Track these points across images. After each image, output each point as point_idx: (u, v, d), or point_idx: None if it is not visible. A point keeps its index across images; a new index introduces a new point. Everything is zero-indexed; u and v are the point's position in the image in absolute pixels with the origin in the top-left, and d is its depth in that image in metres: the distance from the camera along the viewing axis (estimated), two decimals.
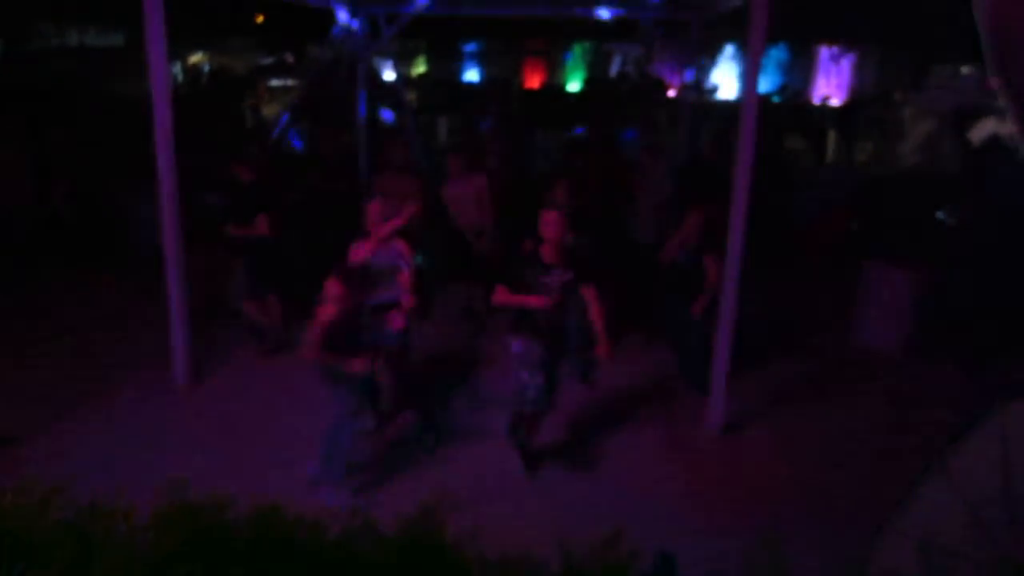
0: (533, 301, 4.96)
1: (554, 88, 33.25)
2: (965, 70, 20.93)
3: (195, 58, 31.50)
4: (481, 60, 35.75)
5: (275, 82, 29.10)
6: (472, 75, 35.48)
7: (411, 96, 24.60)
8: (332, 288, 4.60)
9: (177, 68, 28.01)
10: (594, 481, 5.48)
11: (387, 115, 13.10)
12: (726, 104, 25.33)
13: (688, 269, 6.45)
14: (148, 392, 6.52)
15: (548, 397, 5.26)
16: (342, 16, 9.96)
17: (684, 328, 6.71)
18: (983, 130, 15.83)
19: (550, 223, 4.95)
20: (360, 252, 5.57)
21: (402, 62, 34.69)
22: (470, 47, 35.04)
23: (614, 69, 33.45)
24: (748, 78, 5.61)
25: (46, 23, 20.07)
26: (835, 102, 26.97)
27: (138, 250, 9.90)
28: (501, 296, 5.07)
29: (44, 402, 6.24)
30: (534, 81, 35.08)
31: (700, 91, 13.77)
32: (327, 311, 4.60)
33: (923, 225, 9.95)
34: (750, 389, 6.76)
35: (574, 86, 32.92)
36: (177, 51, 27.77)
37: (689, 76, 10.42)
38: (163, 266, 6.27)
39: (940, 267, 7.97)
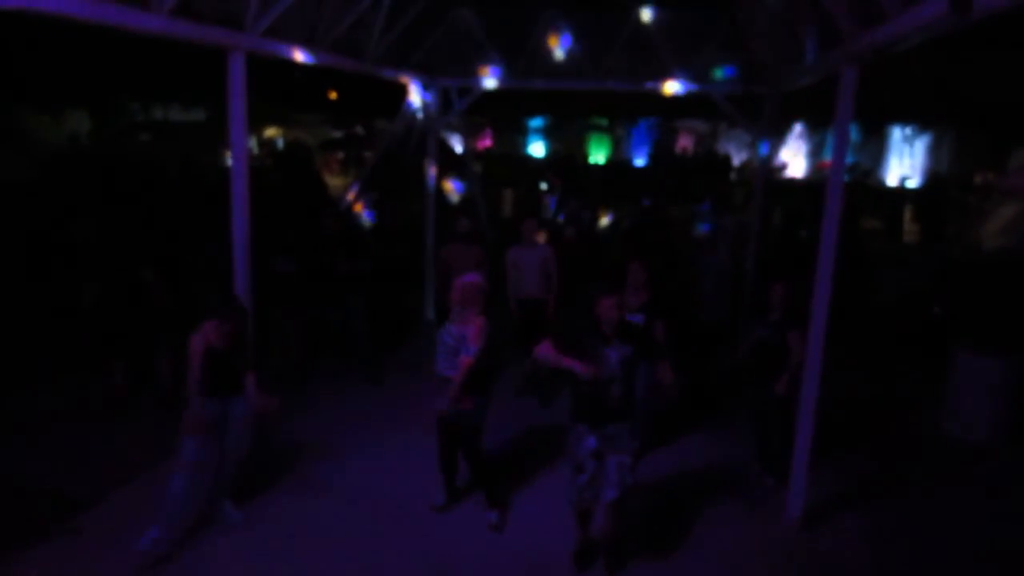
0: (577, 366, 4.66)
1: (619, 163, 33.51)
2: None
3: (270, 132, 32.77)
4: (545, 134, 36.37)
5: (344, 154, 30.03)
6: (537, 149, 36.07)
7: (477, 168, 25.07)
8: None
9: (253, 142, 29.14)
10: None
11: (457, 186, 13.25)
12: (795, 182, 25.08)
13: (771, 345, 6.15)
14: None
15: (593, 493, 4.92)
16: (415, 89, 10.14)
17: (763, 408, 6.37)
18: None
19: (608, 307, 4.70)
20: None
21: (468, 136, 35.57)
22: (535, 122, 35.72)
23: (680, 144, 33.60)
24: (835, 157, 5.41)
25: (132, 100, 21.18)
26: (913, 183, 26.42)
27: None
28: (546, 350, 4.81)
29: (108, 469, 6.18)
30: (599, 156, 35.46)
31: (770, 168, 13.57)
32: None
33: (1011, 310, 9.47)
34: (831, 478, 6.33)
35: (640, 161, 33.11)
36: (253, 125, 29.00)
37: (762, 153, 10.25)
38: None
39: None
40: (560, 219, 10.22)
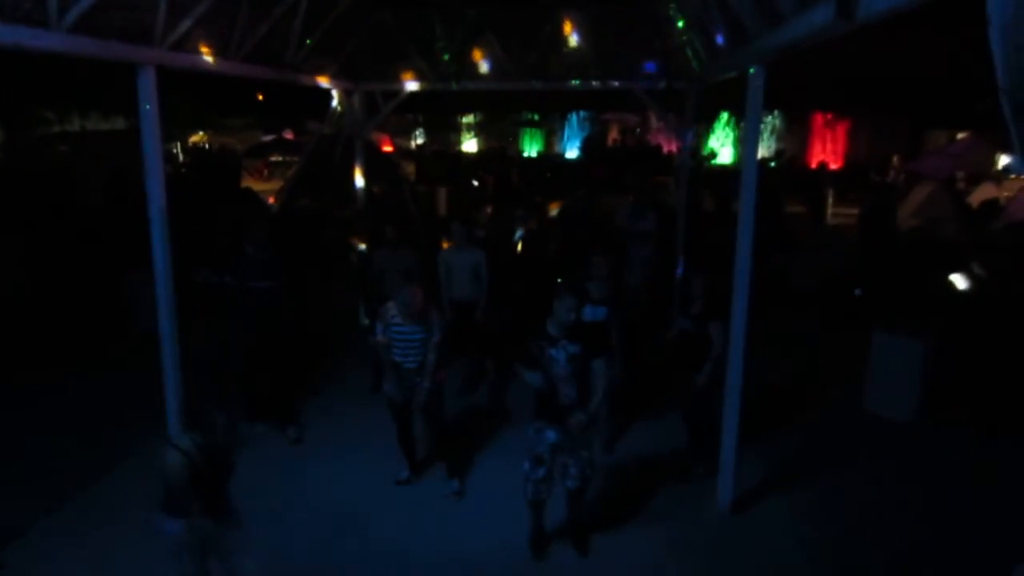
0: (533, 379, 4.94)
1: (552, 156, 33.74)
2: (960, 135, 21.16)
3: (195, 137, 32.02)
4: (478, 131, 36.40)
5: (275, 158, 29.56)
6: (469, 145, 36.07)
7: (409, 168, 24.92)
8: None
9: (177, 149, 28.41)
10: (598, 569, 5.22)
11: None
12: (724, 169, 25.63)
13: (693, 336, 6.29)
14: (142, 483, 6.22)
15: (548, 487, 5.19)
16: (339, 94, 10.04)
17: (688, 398, 6.52)
18: (982, 194, 15.86)
19: (568, 309, 4.87)
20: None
21: (399, 135, 35.37)
22: (468, 118, 35.72)
23: (611, 137, 33.97)
24: (747, 150, 5.58)
25: (48, 110, 20.40)
26: (832, 167, 27.23)
27: (138, 331, 9.89)
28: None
29: (33, 498, 5.98)
30: (532, 150, 35.67)
31: (696, 157, 13.81)
32: None
33: (927, 290, 9.86)
34: (759, 463, 6.53)
35: (572, 154, 33.42)
36: (178, 131, 28.33)
37: (686, 143, 10.45)
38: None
39: (950, 332, 7.83)
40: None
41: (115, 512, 5.83)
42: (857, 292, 10.52)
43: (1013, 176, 19.01)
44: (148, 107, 5.37)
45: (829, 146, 29.82)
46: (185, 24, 5.66)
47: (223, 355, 7.91)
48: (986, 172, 18.79)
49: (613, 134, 33.90)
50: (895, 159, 23.99)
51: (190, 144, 31.00)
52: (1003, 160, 19.43)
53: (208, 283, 7.50)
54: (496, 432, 7.19)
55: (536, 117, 34.73)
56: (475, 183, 18.48)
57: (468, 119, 35.29)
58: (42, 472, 6.45)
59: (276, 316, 7.11)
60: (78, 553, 5.27)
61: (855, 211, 19.93)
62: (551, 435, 5.01)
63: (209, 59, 6.29)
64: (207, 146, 31.63)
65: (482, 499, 6.11)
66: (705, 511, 5.89)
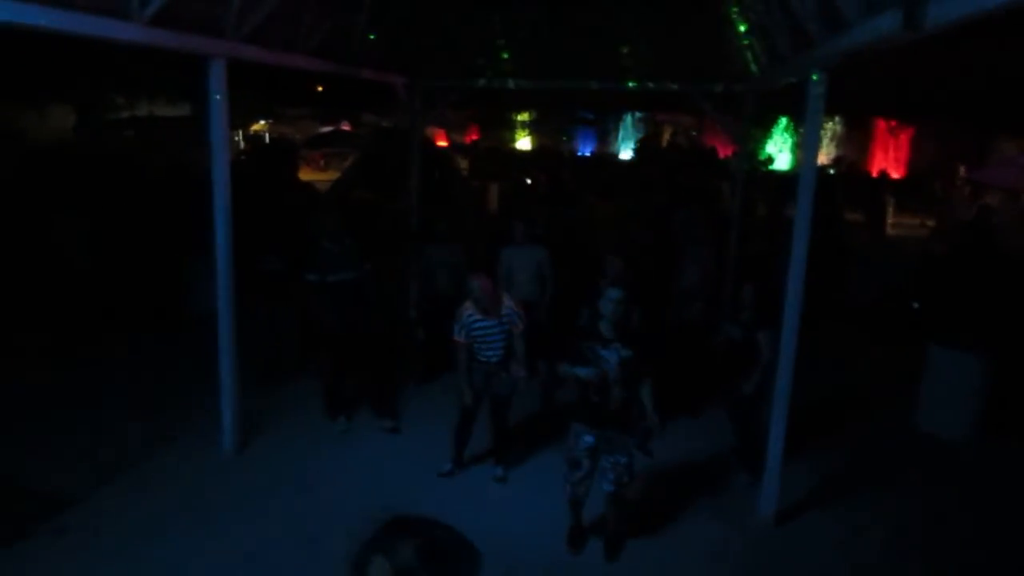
0: (583, 373, 4.91)
1: (605, 156, 33.64)
2: None
3: (256, 127, 32.70)
4: (532, 128, 36.41)
5: (332, 149, 30.06)
6: (523, 143, 36.12)
7: (463, 164, 25.12)
8: None
9: (239, 136, 29.05)
10: (634, 572, 5.23)
11: None
12: (781, 174, 25.19)
13: (741, 343, 6.25)
14: (195, 457, 6.49)
15: (586, 488, 5.21)
16: (399, 89, 10.17)
17: (734, 406, 6.49)
18: None
19: (612, 299, 4.88)
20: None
21: (454, 131, 35.62)
22: (521, 116, 35.77)
23: (665, 138, 33.70)
24: (806, 151, 5.51)
25: (117, 95, 21.02)
26: (894, 175, 26.53)
27: (195, 313, 10.22)
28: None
29: (91, 466, 6.24)
30: (585, 149, 35.60)
31: (752, 162, 13.64)
32: None
33: (990, 304, 9.58)
34: (805, 475, 6.42)
35: (626, 154, 33.25)
36: (239, 120, 28.99)
37: (741, 148, 10.35)
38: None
39: (1011, 349, 7.60)
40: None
41: (168, 483, 6.06)
42: (915, 305, 10.28)
43: None
44: (218, 98, 5.55)
45: (892, 154, 29.11)
46: (256, 18, 5.82)
47: (282, 342, 8.10)
48: None
49: (667, 135, 33.60)
50: (961, 168, 23.30)
51: (251, 132, 31.67)
52: None
53: (274, 271, 7.66)
54: (544, 430, 7.18)
55: (591, 116, 34.62)
56: (528, 181, 18.53)
57: (522, 117, 35.33)
58: (100, 442, 6.70)
59: (362, 305, 6.95)
60: (133, 521, 5.46)
61: (917, 221, 19.54)
62: (589, 439, 5.04)
63: (277, 52, 6.46)
64: (266, 135, 32.28)
65: (524, 493, 6.17)
66: (747, 520, 5.82)
